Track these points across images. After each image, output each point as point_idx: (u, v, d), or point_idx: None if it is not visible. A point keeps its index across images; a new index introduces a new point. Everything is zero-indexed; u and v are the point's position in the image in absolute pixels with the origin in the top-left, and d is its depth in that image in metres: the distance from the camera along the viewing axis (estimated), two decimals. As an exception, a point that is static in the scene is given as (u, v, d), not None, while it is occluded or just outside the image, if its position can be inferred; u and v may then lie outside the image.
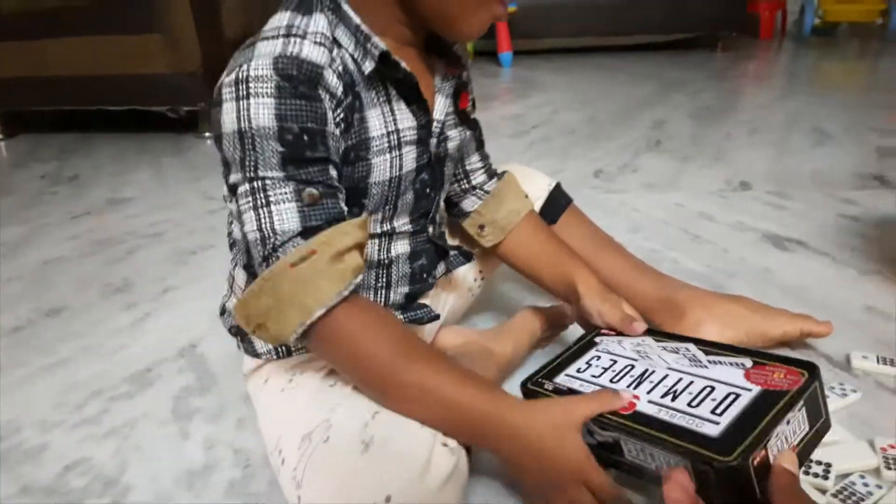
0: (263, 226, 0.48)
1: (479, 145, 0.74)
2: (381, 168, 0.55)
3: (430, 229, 0.64)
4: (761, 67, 3.00)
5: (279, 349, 0.60)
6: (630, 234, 1.14)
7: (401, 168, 0.56)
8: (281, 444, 0.53)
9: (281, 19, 0.51)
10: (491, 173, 0.75)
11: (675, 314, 0.75)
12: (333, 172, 0.50)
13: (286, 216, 0.48)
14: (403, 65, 0.54)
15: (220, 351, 0.81)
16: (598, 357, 0.60)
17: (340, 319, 0.48)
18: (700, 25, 3.25)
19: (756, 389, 0.48)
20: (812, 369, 0.49)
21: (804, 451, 0.47)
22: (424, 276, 0.64)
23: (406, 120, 0.56)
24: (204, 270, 1.05)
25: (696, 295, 0.76)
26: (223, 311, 0.65)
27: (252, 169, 0.48)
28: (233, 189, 0.51)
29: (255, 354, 0.61)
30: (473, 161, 0.73)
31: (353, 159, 0.53)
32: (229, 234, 0.61)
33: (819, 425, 0.49)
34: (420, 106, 0.57)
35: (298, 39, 0.49)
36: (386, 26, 0.54)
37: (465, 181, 0.73)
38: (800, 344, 0.78)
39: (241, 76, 0.47)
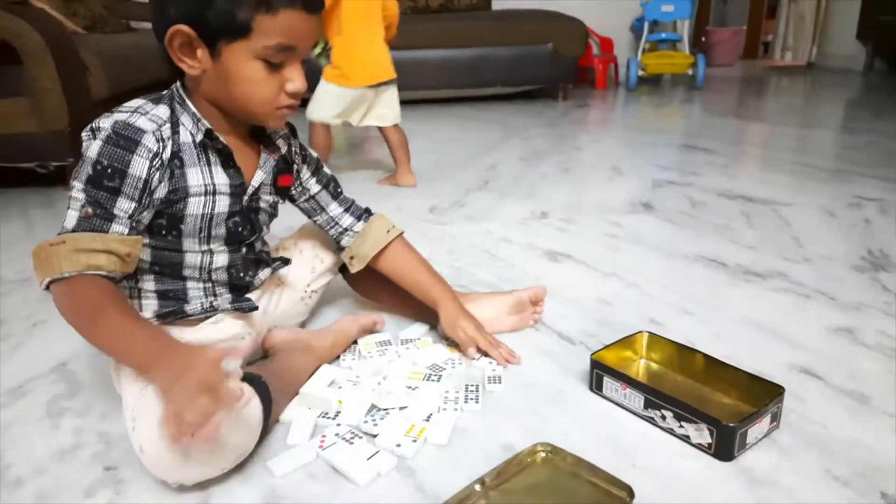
0: (63, 219, 0.73)
1: (335, 196, 1.00)
2: (195, 205, 0.80)
3: (244, 250, 0.89)
4: (589, 114, 3.48)
5: None
6: (445, 256, 1.41)
7: (213, 209, 0.82)
8: (129, 404, 0.73)
9: (136, 102, 0.78)
10: (358, 215, 1.01)
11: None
12: (121, 202, 0.73)
13: (69, 219, 0.72)
14: (222, 139, 0.80)
15: (89, 365, 0.98)
16: None
17: (66, 288, 0.71)
18: (539, 79, 3.74)
19: None
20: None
21: None
22: (241, 275, 0.89)
23: (221, 177, 0.82)
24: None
25: (460, 295, 1.03)
26: None
27: (74, 177, 0.74)
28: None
29: None
30: (333, 209, 1.00)
31: (174, 198, 0.78)
32: None
33: None
34: (235, 171, 0.83)
35: (139, 115, 0.76)
36: (214, 119, 0.81)
37: (336, 227, 1.00)
38: (543, 327, 1.07)
39: (94, 126, 0.75)
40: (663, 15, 4.18)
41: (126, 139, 0.73)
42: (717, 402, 0.84)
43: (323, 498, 0.70)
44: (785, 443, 0.76)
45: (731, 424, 0.72)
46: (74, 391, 0.92)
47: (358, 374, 0.91)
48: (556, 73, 3.66)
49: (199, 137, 0.79)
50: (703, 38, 5.97)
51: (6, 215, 1.79)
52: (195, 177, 0.79)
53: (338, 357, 0.98)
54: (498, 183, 2.04)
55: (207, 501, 0.70)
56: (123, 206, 0.73)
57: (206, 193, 0.80)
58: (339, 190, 1.01)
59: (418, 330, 1.06)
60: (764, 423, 0.76)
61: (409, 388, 0.87)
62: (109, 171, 0.72)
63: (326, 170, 1.00)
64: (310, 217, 1.01)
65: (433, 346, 0.99)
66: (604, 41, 4.49)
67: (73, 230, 0.71)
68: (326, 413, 0.83)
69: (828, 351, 0.97)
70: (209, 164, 0.81)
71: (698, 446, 0.75)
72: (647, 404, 0.81)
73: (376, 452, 0.75)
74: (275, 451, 0.77)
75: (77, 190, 0.73)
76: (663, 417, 0.79)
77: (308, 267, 1.04)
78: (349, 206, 1.01)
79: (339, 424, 0.80)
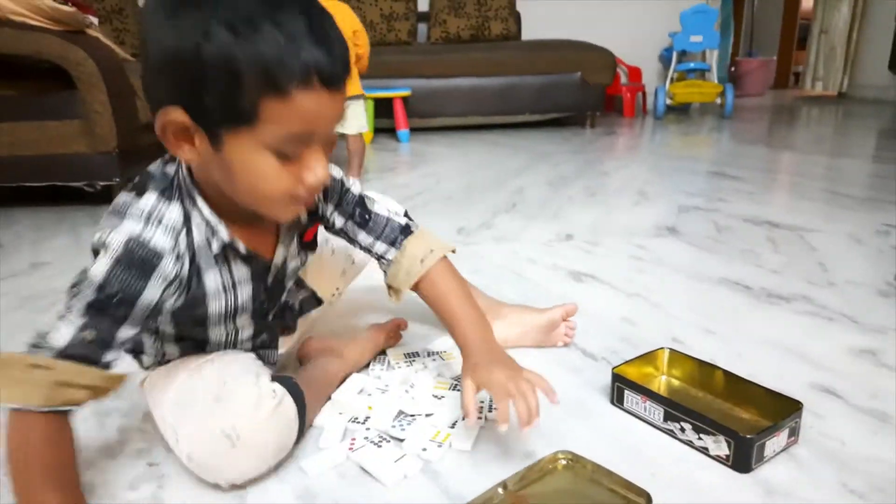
0: (47, 328, 0.62)
1: (362, 225, 0.87)
2: (215, 305, 0.75)
3: (269, 317, 0.86)
4: (617, 142, 3.52)
5: (160, 361, 0.83)
6: (471, 274, 1.43)
7: (235, 304, 0.76)
8: (166, 418, 0.77)
9: (147, 201, 0.66)
10: (391, 240, 0.88)
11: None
12: (124, 330, 0.64)
13: (60, 335, 0.61)
14: (242, 248, 0.72)
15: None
16: None
17: (22, 424, 0.62)
18: (567, 107, 3.80)
19: None
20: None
21: None
22: (267, 350, 0.88)
23: (240, 271, 0.75)
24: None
25: (493, 305, 1.07)
26: None
27: (73, 294, 0.63)
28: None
29: (146, 367, 0.84)
30: (363, 239, 0.88)
31: (192, 304, 0.72)
32: None
33: None
34: (255, 258, 0.76)
35: (154, 227, 0.64)
36: (227, 211, 0.70)
37: (371, 254, 0.90)
38: (573, 346, 1.09)
39: (103, 239, 0.63)
40: (692, 45, 4.22)
41: (141, 263, 0.63)
42: (736, 416, 0.85)
43: (353, 497, 0.73)
44: (803, 457, 0.78)
45: (749, 436, 0.74)
46: (119, 393, 0.97)
47: (387, 383, 0.95)
48: (585, 101, 3.73)
49: (216, 249, 0.71)
50: (733, 69, 5.98)
51: (57, 231, 1.89)
52: (213, 279, 0.72)
53: (367, 366, 1.02)
54: (525, 206, 2.08)
55: (245, 498, 0.74)
56: (125, 334, 0.65)
57: (225, 290, 0.74)
58: (367, 217, 0.87)
59: (444, 343, 1.10)
60: (782, 436, 0.77)
61: (436, 396, 0.91)
62: (116, 299, 0.62)
63: (354, 191, 0.86)
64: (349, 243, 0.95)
65: (458, 358, 1.03)
66: (632, 70, 4.54)
67: (64, 350, 0.61)
68: (356, 418, 0.87)
69: (849, 371, 0.98)
70: (227, 261, 0.73)
71: (716, 458, 0.77)
72: (667, 417, 0.83)
73: (403, 455, 0.78)
74: (308, 452, 0.81)
75: (76, 310, 0.62)
76: (682, 430, 0.81)
77: (339, 270, 1.06)
78: (381, 233, 0.88)
79: (368, 429, 0.84)
